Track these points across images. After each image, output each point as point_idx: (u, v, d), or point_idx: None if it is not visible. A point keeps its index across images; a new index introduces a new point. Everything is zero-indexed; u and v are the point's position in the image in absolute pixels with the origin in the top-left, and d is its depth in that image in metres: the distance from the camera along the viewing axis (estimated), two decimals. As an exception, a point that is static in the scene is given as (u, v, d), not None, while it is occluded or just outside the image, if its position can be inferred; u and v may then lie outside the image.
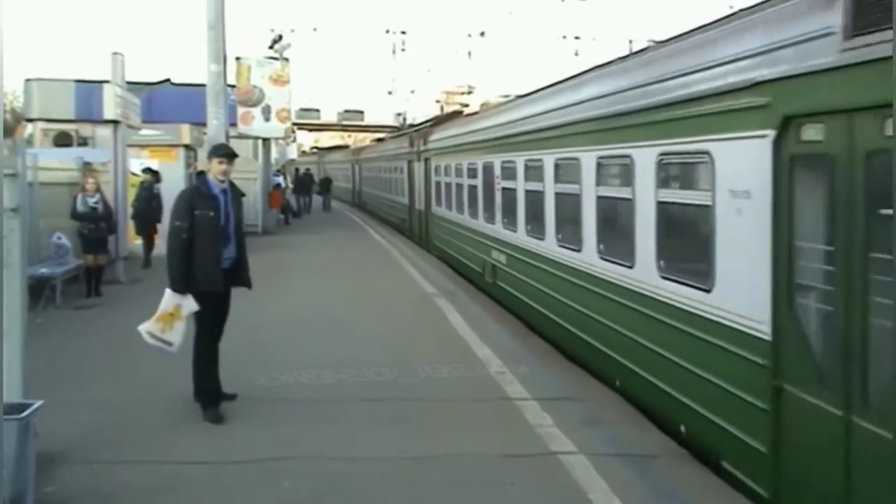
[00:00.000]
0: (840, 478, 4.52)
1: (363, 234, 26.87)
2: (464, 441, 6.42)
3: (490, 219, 14.06)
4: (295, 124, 45.55)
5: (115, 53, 16.33)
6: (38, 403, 5.18)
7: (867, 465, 4.32)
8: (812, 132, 4.81)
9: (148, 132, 19.01)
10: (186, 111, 21.37)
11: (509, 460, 6.03)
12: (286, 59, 27.25)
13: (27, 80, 19.51)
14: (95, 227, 13.77)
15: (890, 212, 3.71)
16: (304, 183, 40.24)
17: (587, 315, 8.89)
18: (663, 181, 6.98)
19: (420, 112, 50.24)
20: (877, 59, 4.06)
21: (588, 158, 8.82)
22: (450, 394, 7.80)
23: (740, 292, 5.61)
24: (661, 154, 6.91)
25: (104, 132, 16.99)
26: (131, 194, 16.77)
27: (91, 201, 13.75)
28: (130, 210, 16.64)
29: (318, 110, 74.55)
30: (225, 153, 7.29)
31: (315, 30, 70.72)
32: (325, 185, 43.17)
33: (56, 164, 15.36)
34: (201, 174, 7.32)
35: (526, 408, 7.31)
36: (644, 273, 7.27)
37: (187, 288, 6.90)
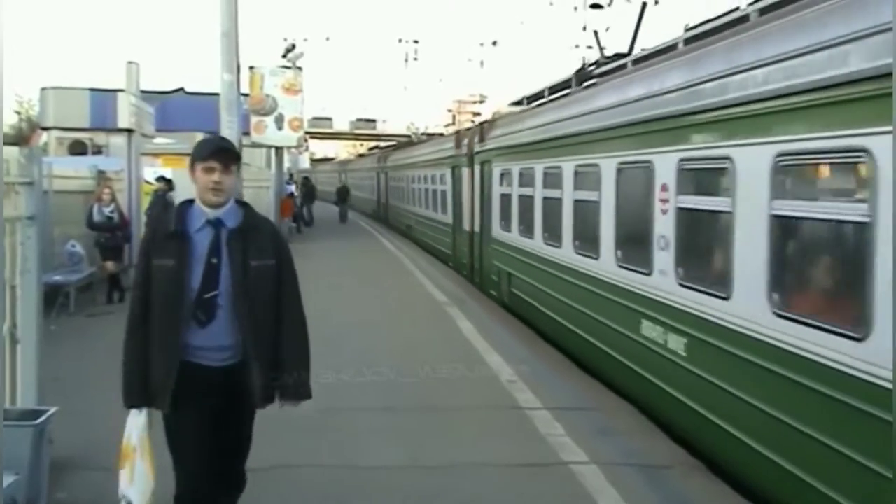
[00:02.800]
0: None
1: (374, 242, 26.92)
2: (474, 450, 6.41)
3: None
4: (307, 133, 45.67)
5: (129, 62, 16.48)
6: (52, 410, 5.22)
7: None
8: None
9: (162, 141, 19.14)
10: (200, 120, 21.46)
11: (520, 470, 6.02)
12: (299, 69, 27.34)
13: (43, 89, 19.65)
14: (112, 236, 13.95)
15: None
16: (310, 192, 38.55)
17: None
18: None
19: (432, 121, 50.30)
20: None
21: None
22: (461, 403, 7.80)
23: None
24: None
25: (118, 141, 17.11)
26: (145, 202, 16.87)
27: (107, 211, 13.89)
28: (144, 218, 16.74)
29: (330, 119, 74.87)
30: (214, 151, 4.01)
31: (328, 39, 71.42)
32: (342, 195, 39.70)
33: (70, 172, 15.47)
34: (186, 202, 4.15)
35: (537, 417, 7.30)
36: None
37: (145, 400, 3.94)
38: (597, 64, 11.71)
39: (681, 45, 8.03)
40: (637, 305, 7.66)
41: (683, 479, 5.93)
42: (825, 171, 5.09)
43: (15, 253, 5.64)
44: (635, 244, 7.82)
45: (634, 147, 7.82)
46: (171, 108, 23.74)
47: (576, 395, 8.12)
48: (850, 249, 4.76)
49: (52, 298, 12.32)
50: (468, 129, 19.60)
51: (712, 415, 6.16)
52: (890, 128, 4.01)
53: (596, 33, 13.66)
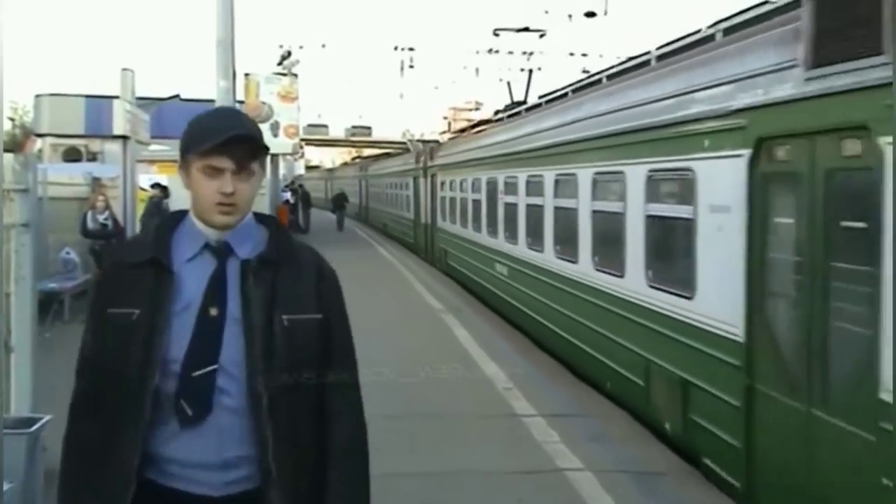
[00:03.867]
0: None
1: (372, 251, 26.92)
2: (470, 457, 6.41)
3: None
4: (303, 140, 45.69)
5: (124, 69, 16.43)
6: (46, 418, 5.20)
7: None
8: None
9: (157, 147, 19.12)
10: (195, 127, 21.44)
11: (516, 477, 6.02)
12: (295, 76, 27.40)
13: (37, 96, 19.63)
14: (106, 244, 13.89)
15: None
16: (306, 198, 36.94)
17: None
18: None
19: (427, 128, 50.45)
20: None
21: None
22: (457, 410, 7.80)
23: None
24: None
25: (113, 147, 17.08)
26: (140, 210, 16.85)
27: (101, 218, 13.88)
28: (139, 225, 16.72)
29: (326, 126, 74.83)
30: (225, 140, 2.22)
31: (324, 46, 70.62)
32: (339, 202, 38.05)
33: (65, 178, 15.45)
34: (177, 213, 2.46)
35: (532, 424, 7.31)
36: None
37: None
38: (512, 106, 17.22)
39: (569, 94, 11.46)
40: (497, 257, 14.00)
41: (677, 485, 5.94)
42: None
43: (9, 260, 5.63)
44: (501, 222, 13.78)
45: (504, 168, 13.54)
46: (167, 115, 23.68)
47: (570, 402, 8.14)
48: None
49: (47, 306, 12.29)
50: (425, 150, 25.65)
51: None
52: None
53: (531, 72, 20.12)
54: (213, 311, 2.19)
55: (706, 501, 5.72)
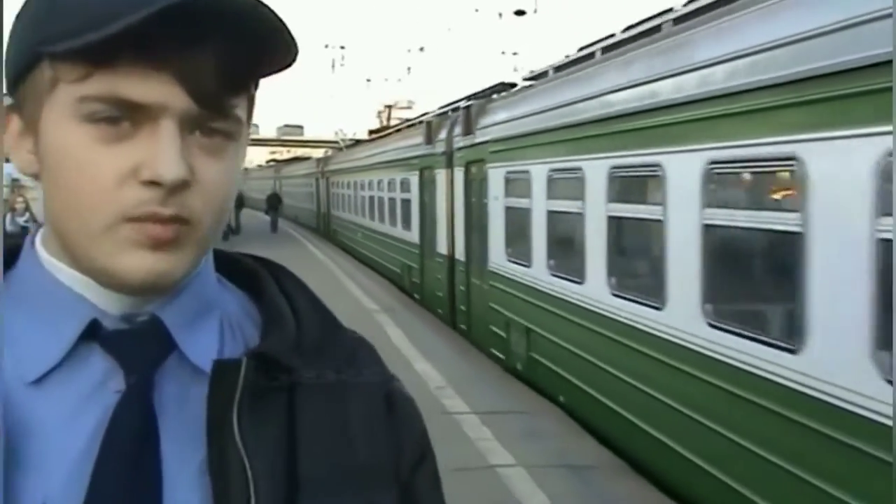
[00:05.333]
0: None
1: (303, 250, 26.67)
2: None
3: None
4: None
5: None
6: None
7: None
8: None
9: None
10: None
11: (449, 475, 5.98)
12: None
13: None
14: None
15: None
16: (238, 198, 36.93)
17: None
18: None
19: (361, 126, 50.24)
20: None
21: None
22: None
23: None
24: None
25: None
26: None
27: (21, 221, 13.46)
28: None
29: (256, 125, 73.98)
30: (152, 18, 0.67)
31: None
32: (273, 203, 37.08)
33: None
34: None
35: (465, 421, 7.33)
36: None
37: None
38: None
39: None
40: (358, 228, 22.85)
41: (608, 479, 6.03)
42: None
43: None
44: (360, 208, 22.25)
45: (360, 174, 21.92)
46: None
47: (503, 399, 8.18)
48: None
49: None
50: (321, 159, 34.52)
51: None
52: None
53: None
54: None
55: (635, 493, 5.81)
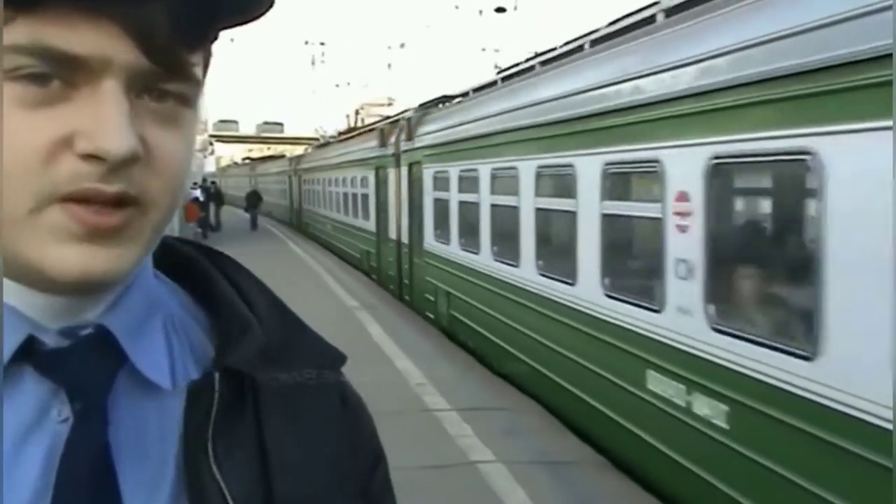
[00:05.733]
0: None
1: (283, 247, 26.61)
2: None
3: None
4: (213, 136, 44.82)
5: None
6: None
7: None
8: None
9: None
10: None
11: (429, 471, 6.03)
12: (202, 70, 26.88)
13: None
14: None
15: None
16: (218, 196, 35.45)
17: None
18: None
19: (341, 123, 50.06)
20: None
21: None
22: (370, 407, 7.75)
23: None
24: None
25: None
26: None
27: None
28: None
29: (236, 122, 73.63)
30: None
31: (232, 40, 69.69)
32: (253, 200, 36.31)
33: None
34: None
35: (446, 418, 7.34)
36: None
37: None
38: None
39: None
40: (327, 220, 24.97)
41: (588, 475, 6.05)
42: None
43: None
44: (328, 202, 25.04)
45: (327, 172, 24.71)
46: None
47: (484, 396, 8.19)
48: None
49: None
50: (295, 157, 36.65)
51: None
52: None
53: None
54: None
55: (614, 488, 5.84)
